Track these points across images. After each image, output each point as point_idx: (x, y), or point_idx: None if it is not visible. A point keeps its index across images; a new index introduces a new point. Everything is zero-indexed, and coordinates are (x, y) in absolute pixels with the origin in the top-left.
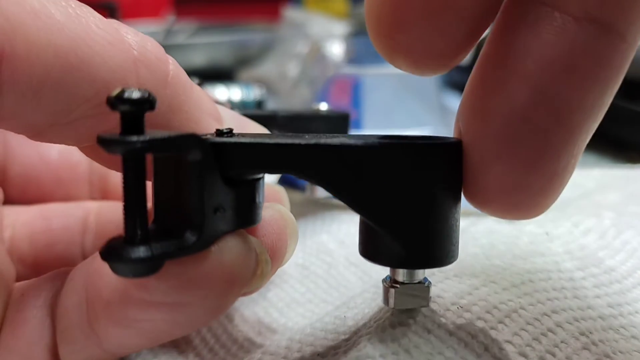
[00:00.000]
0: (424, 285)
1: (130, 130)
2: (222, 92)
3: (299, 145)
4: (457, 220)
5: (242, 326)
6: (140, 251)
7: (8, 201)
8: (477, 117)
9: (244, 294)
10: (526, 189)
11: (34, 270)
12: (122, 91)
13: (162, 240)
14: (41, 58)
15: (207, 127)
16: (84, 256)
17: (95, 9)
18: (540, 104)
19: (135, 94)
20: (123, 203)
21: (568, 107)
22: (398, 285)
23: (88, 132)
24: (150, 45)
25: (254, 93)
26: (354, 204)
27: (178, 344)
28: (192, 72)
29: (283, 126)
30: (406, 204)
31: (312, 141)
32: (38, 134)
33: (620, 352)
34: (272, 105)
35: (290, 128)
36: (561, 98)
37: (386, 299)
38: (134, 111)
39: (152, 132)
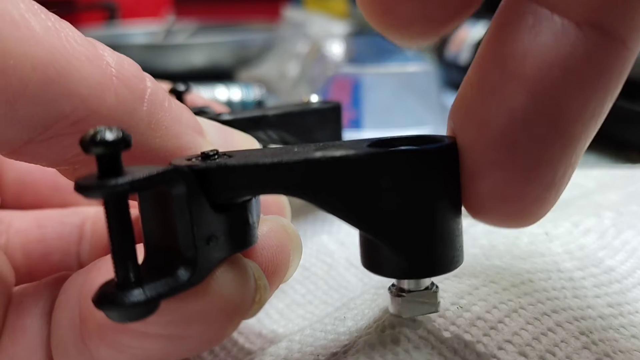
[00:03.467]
0: (431, 291)
1: (107, 172)
2: (222, 92)
3: (288, 163)
4: (459, 224)
5: (242, 328)
6: (134, 295)
7: (4, 207)
8: (473, 122)
9: None
10: (521, 198)
11: (29, 280)
12: (95, 133)
13: (155, 279)
14: (18, 70)
15: (189, 141)
16: (80, 265)
17: (95, 9)
18: (539, 111)
19: (109, 135)
20: (110, 246)
21: (567, 114)
22: (404, 294)
23: (64, 151)
24: (127, 64)
25: (254, 93)
26: (350, 219)
27: None
28: (192, 72)
29: (275, 125)
30: (405, 213)
31: (302, 157)
32: (13, 151)
33: (621, 351)
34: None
35: (282, 126)
36: (560, 105)
37: (394, 308)
38: (110, 153)
39: (132, 170)
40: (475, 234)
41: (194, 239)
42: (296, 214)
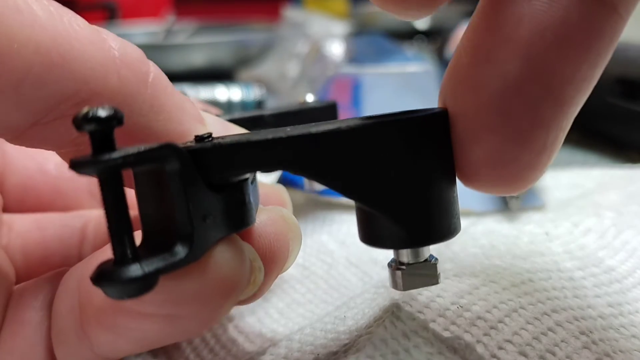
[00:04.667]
0: (431, 262)
1: (100, 149)
2: (222, 92)
3: (280, 139)
4: (455, 192)
5: (242, 327)
6: (131, 271)
7: (5, 212)
8: (466, 88)
9: (238, 304)
10: (514, 162)
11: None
12: (88, 111)
13: (152, 256)
14: (22, 54)
15: (190, 128)
16: None
17: (95, 9)
18: (532, 75)
19: (102, 112)
20: (107, 224)
21: (560, 78)
22: (404, 267)
23: (68, 133)
24: (131, 48)
25: (254, 93)
26: (345, 191)
27: (178, 344)
28: (192, 72)
29: (272, 125)
30: (400, 182)
31: (294, 133)
32: (18, 135)
33: (621, 351)
34: (272, 105)
35: (279, 125)
36: (553, 69)
37: (394, 283)
38: (102, 129)
39: (124, 148)
40: (475, 234)
41: (190, 215)
42: (296, 213)
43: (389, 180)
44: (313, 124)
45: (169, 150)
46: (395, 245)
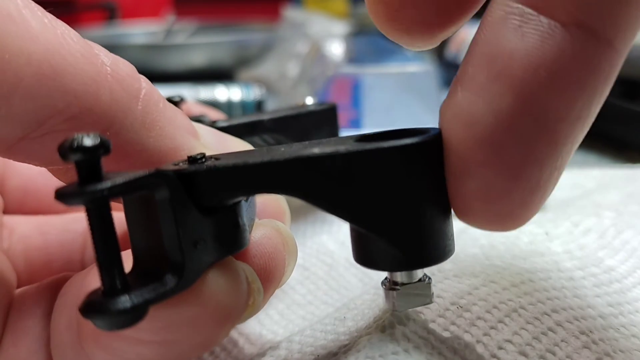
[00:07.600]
0: (424, 282)
1: (87, 178)
2: (222, 92)
3: (277, 162)
4: (449, 212)
5: (242, 328)
6: (120, 302)
7: (6, 214)
8: (460, 121)
9: None
10: (507, 199)
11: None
12: (73, 139)
13: (142, 286)
14: (13, 65)
15: (183, 142)
16: None
17: (95, 9)
18: (525, 111)
19: (87, 141)
20: (95, 254)
21: (554, 115)
22: (398, 287)
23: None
24: (122, 64)
25: (254, 93)
26: (340, 214)
27: None
28: (192, 72)
29: (271, 129)
30: (395, 205)
31: (290, 155)
32: (7, 149)
33: (621, 350)
34: (272, 105)
35: (278, 130)
36: (547, 106)
37: (388, 302)
38: (89, 159)
39: (112, 176)
40: (475, 234)
41: (180, 243)
42: (296, 214)
43: (385, 202)
44: (307, 142)
45: (158, 178)
46: (391, 268)
